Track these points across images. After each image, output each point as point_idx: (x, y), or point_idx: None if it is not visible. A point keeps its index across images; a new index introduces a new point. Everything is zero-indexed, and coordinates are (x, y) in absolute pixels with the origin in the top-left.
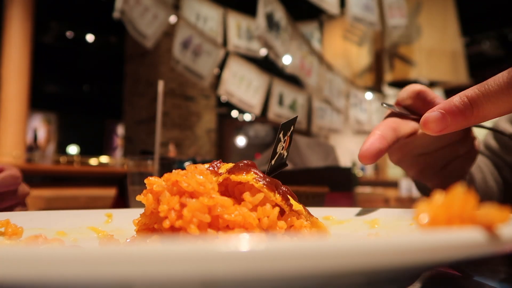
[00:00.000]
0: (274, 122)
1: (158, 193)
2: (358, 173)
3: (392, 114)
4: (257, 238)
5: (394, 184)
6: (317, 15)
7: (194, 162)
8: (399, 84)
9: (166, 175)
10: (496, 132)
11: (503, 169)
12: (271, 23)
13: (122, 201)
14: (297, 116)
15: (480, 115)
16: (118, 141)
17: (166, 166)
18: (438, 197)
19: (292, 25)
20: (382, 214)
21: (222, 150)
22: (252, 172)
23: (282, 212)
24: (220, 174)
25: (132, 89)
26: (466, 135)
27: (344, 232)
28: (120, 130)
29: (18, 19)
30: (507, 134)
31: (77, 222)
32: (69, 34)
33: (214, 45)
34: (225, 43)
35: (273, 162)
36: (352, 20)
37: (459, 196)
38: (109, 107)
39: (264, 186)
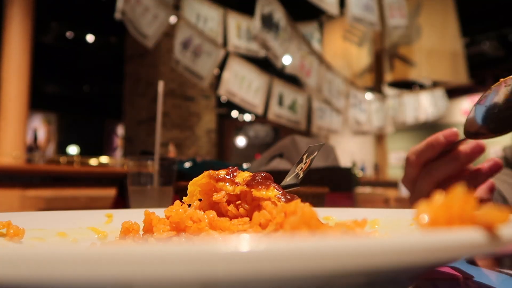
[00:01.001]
0: (274, 123)
1: None
2: (358, 173)
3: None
4: (256, 238)
5: (394, 184)
6: (317, 15)
7: (194, 162)
8: (399, 84)
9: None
10: None
11: None
12: (270, 23)
13: (122, 202)
14: (324, 143)
15: None
16: (118, 142)
17: (166, 166)
18: (438, 197)
19: (292, 26)
20: (382, 214)
21: (222, 151)
22: (272, 188)
23: None
24: (237, 184)
25: (132, 89)
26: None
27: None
28: (120, 130)
29: (18, 19)
30: None
31: (77, 222)
32: (69, 34)
33: (214, 46)
34: (225, 43)
35: (288, 179)
36: (352, 20)
37: (459, 196)
38: (109, 107)
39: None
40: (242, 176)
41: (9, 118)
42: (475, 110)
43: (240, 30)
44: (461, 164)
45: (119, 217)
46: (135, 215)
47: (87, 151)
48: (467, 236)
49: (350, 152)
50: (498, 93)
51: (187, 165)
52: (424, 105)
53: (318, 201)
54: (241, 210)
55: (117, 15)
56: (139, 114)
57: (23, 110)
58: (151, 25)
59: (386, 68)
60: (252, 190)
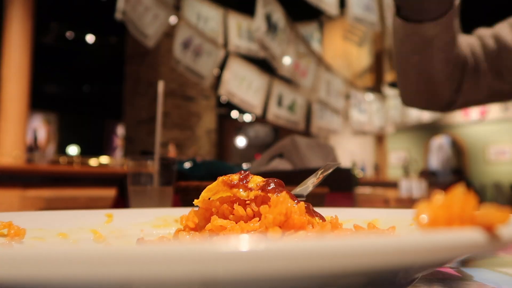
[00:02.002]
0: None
1: None
2: (358, 173)
3: None
4: (257, 238)
5: (394, 185)
6: (317, 15)
7: (194, 162)
8: None
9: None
10: None
11: (482, 63)
12: (269, 23)
13: (122, 202)
14: (340, 163)
15: None
16: (118, 142)
17: (166, 166)
18: (438, 197)
19: (291, 26)
20: (382, 214)
21: (222, 151)
22: (288, 197)
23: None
24: (250, 189)
25: (132, 90)
26: None
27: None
28: (120, 130)
29: (18, 19)
30: None
31: (77, 222)
32: (69, 34)
33: (214, 46)
34: (225, 43)
35: (298, 189)
36: (353, 21)
37: (459, 196)
38: (109, 107)
39: (306, 213)
40: (255, 181)
41: (9, 118)
42: None
43: (240, 30)
44: None
45: (120, 217)
46: (135, 215)
47: (87, 151)
48: (467, 236)
49: (350, 152)
50: None
51: (187, 165)
52: None
53: (318, 201)
54: (249, 211)
55: (118, 15)
56: (139, 114)
57: (23, 110)
58: (151, 25)
59: (386, 68)
60: (270, 195)
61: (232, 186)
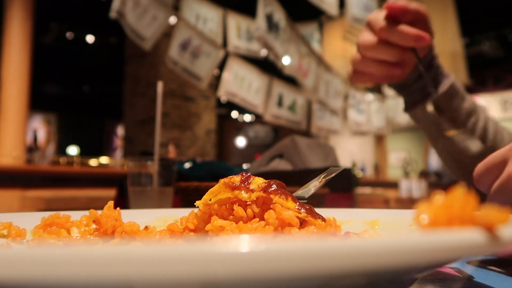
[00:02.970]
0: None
1: None
2: (358, 173)
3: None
4: (257, 238)
5: (394, 185)
6: (317, 15)
7: (194, 162)
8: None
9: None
10: None
11: None
12: (270, 24)
13: (122, 202)
14: (344, 167)
15: None
16: (118, 142)
17: (166, 167)
18: (439, 197)
19: (291, 26)
20: (382, 215)
21: (222, 151)
22: (290, 198)
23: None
24: (252, 190)
25: (132, 90)
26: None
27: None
28: (120, 130)
29: (18, 19)
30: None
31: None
32: (69, 35)
33: (213, 46)
34: (225, 44)
35: (299, 192)
36: (352, 21)
37: (459, 197)
38: (109, 107)
39: (308, 215)
40: (257, 182)
41: (9, 118)
42: None
43: (240, 30)
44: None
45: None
46: (135, 216)
47: (87, 152)
48: (467, 237)
49: (350, 152)
50: None
51: (187, 165)
52: None
53: (318, 202)
54: (249, 212)
55: (112, 14)
56: (139, 115)
57: (23, 110)
58: (149, 27)
59: None
60: (273, 196)
61: (234, 188)
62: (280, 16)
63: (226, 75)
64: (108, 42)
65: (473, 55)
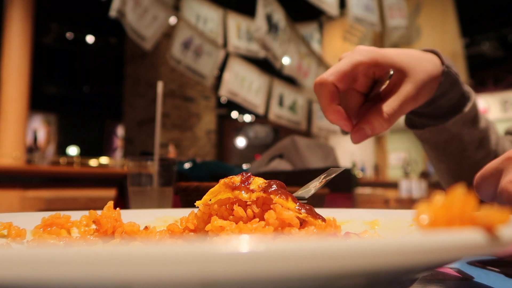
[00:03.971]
0: (274, 123)
1: None
2: (358, 174)
3: None
4: (257, 239)
5: (394, 185)
6: (317, 16)
7: (194, 163)
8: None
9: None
10: None
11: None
12: (270, 24)
13: (122, 202)
14: (344, 168)
15: None
16: (118, 142)
17: (166, 167)
18: (439, 198)
19: (291, 26)
20: (382, 215)
21: (222, 151)
22: (290, 199)
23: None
24: (252, 191)
25: (132, 90)
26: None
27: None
28: (120, 131)
29: (18, 20)
30: None
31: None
32: (69, 35)
33: (214, 46)
34: (225, 44)
35: (300, 192)
36: (353, 21)
37: (459, 197)
38: (109, 108)
39: (308, 215)
40: (257, 182)
41: (9, 119)
42: None
43: (240, 30)
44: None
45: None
46: (135, 216)
47: (87, 152)
48: (467, 237)
49: (350, 152)
50: None
51: (187, 165)
52: None
53: (318, 202)
54: (249, 212)
55: (112, 13)
56: (139, 115)
57: (23, 111)
58: (150, 27)
59: None
60: (273, 197)
61: (234, 188)
62: (279, 16)
63: (227, 75)
64: (108, 42)
65: (473, 55)
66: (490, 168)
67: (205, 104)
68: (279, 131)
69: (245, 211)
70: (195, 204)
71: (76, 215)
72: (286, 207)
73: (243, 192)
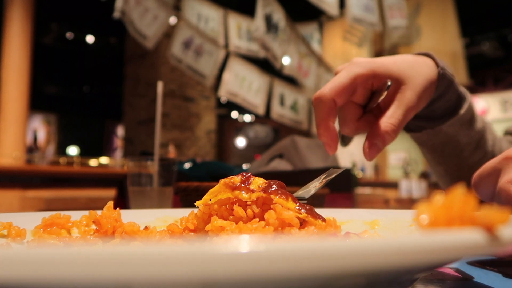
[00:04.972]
0: (274, 123)
1: None
2: (358, 174)
3: None
4: (257, 239)
5: (394, 185)
6: (317, 16)
7: (194, 163)
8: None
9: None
10: None
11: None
12: (270, 24)
13: (122, 202)
14: (345, 168)
15: None
16: (118, 142)
17: (166, 167)
18: (439, 198)
19: (291, 26)
20: (382, 215)
21: (222, 151)
22: (291, 199)
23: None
24: (252, 191)
25: (132, 90)
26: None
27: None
28: (120, 131)
29: (18, 20)
30: None
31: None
32: (69, 35)
33: (215, 46)
34: (226, 44)
35: (300, 192)
36: (353, 21)
37: (459, 197)
38: (109, 108)
39: (308, 215)
40: (257, 182)
41: (9, 119)
42: None
43: (240, 30)
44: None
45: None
46: (135, 216)
47: (87, 152)
48: (467, 237)
49: (350, 152)
50: None
51: (187, 165)
52: None
53: (318, 202)
54: (249, 212)
55: (116, 14)
56: (139, 115)
57: (23, 111)
58: (151, 26)
59: None
60: (273, 197)
61: (234, 188)
62: (279, 16)
63: (227, 75)
64: (108, 42)
65: (473, 55)
66: (488, 168)
67: (205, 104)
68: (279, 131)
69: (245, 211)
70: (195, 204)
71: (76, 215)
72: (286, 207)
73: (243, 192)
